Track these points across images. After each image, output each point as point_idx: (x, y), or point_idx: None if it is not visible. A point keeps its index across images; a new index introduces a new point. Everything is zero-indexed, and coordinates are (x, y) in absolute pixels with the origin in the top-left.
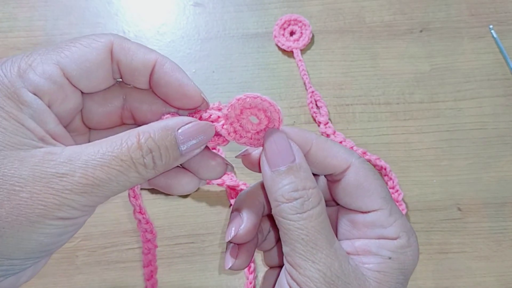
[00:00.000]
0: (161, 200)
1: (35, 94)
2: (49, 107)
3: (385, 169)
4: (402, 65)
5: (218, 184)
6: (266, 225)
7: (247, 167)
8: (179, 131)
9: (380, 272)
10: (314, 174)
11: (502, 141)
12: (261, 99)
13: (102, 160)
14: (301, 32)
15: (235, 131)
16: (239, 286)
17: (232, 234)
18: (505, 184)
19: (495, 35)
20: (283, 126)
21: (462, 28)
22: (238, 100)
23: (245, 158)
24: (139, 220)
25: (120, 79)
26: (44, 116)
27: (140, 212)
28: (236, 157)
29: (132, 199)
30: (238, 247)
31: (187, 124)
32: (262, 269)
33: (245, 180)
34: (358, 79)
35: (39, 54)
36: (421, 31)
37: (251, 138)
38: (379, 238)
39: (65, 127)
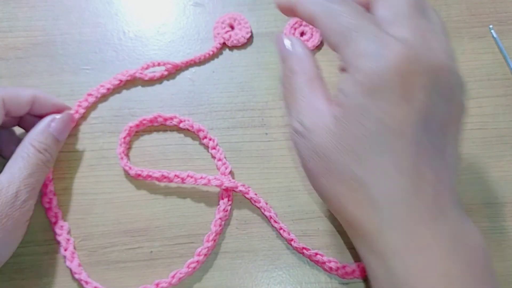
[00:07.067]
0: (161, 200)
1: None
2: None
3: None
4: None
5: (216, 185)
6: None
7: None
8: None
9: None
10: None
11: (502, 141)
12: None
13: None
14: (312, 34)
15: None
16: (239, 286)
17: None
18: (505, 184)
19: (495, 35)
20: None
21: (462, 28)
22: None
23: None
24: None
25: None
26: None
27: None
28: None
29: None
30: None
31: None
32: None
33: (244, 182)
34: None
35: None
36: None
37: None
38: None
39: None
